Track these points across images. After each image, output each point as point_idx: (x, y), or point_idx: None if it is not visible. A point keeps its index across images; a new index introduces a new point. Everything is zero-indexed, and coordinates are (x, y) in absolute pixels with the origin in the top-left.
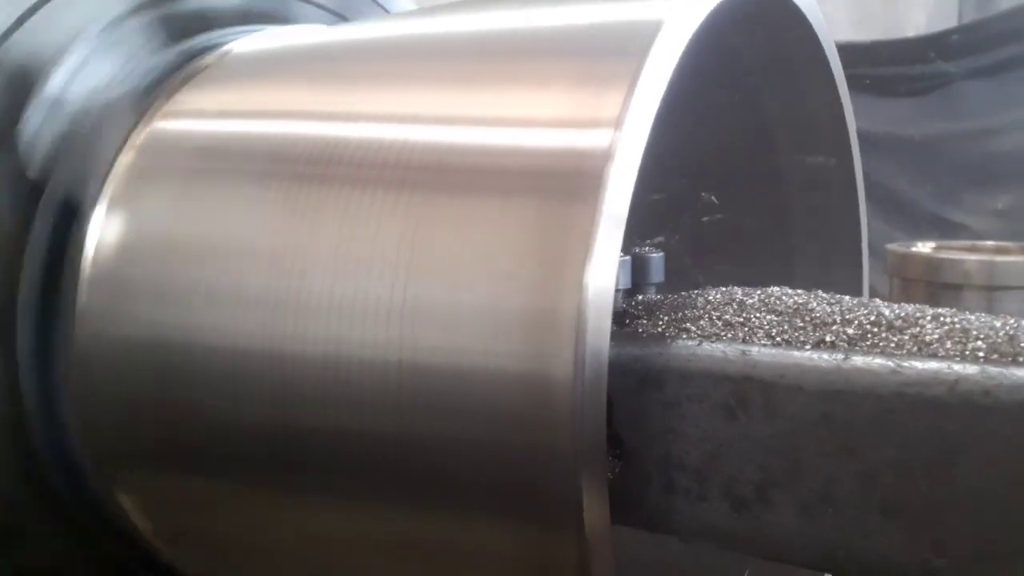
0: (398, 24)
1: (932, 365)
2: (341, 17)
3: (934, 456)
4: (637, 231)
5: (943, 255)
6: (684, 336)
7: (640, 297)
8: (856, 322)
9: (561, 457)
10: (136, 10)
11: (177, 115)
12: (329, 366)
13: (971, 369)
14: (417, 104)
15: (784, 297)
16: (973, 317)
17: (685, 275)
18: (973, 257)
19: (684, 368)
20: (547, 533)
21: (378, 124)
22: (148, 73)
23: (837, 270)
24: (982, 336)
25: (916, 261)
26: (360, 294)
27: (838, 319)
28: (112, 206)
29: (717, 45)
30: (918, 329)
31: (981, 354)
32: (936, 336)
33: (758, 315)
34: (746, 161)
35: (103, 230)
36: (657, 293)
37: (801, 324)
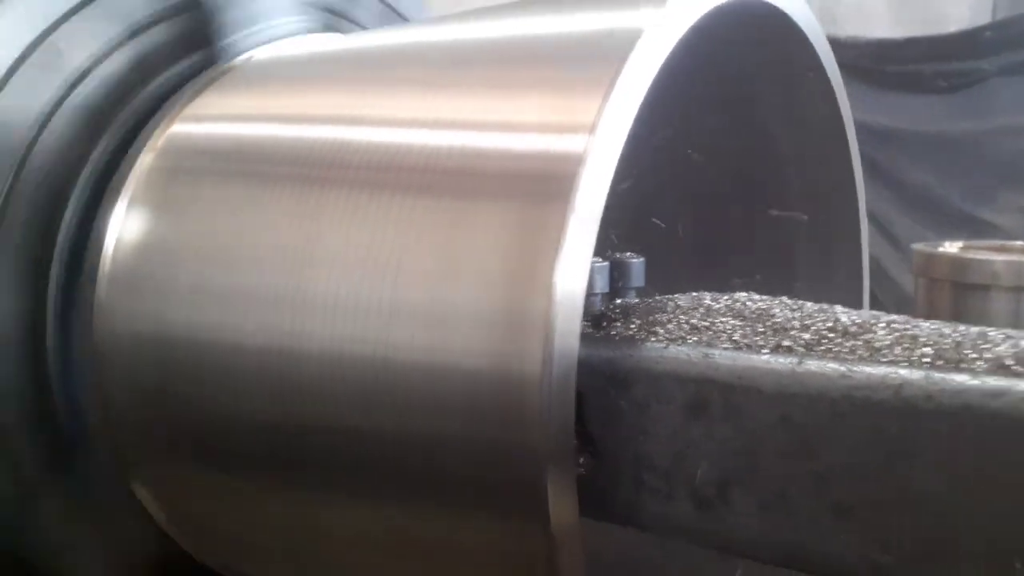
0: (400, 34)
1: (880, 370)
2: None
3: (881, 458)
4: (634, 240)
5: (970, 255)
6: (653, 339)
7: (619, 301)
8: (814, 328)
9: (530, 453)
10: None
11: (196, 119)
12: (325, 363)
13: (916, 374)
14: (411, 110)
15: (749, 303)
16: (925, 324)
17: (686, 283)
18: (1001, 258)
19: (652, 370)
20: (516, 526)
21: (376, 128)
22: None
23: (838, 279)
24: (930, 343)
25: (942, 261)
26: (351, 293)
27: (797, 324)
28: (131, 205)
29: (711, 53)
30: (871, 335)
31: (927, 360)
32: (887, 342)
33: (723, 319)
34: (747, 170)
35: (122, 228)
36: (637, 298)
37: (762, 329)
